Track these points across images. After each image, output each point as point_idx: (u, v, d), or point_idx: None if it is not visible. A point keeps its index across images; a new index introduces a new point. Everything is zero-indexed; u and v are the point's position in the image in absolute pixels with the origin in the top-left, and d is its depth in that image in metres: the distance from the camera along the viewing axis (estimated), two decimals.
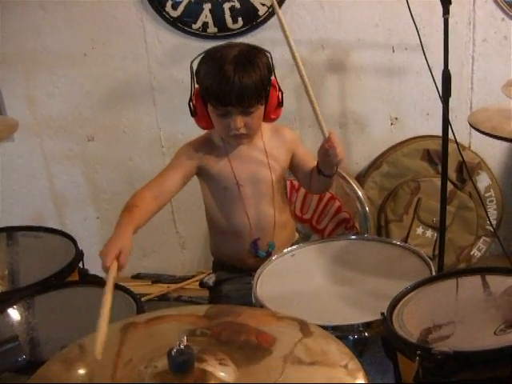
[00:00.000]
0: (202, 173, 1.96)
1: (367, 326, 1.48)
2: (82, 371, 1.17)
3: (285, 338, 1.22)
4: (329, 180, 1.95)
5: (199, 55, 1.86)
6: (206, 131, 2.00)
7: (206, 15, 2.75)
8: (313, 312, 1.57)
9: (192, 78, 1.87)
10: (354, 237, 2.05)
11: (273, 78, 1.89)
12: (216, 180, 1.95)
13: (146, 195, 1.82)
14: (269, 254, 1.98)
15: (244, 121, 1.83)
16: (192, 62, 1.86)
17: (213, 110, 1.83)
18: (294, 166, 2.06)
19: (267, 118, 1.91)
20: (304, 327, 1.26)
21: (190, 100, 1.88)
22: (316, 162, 1.92)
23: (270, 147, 1.99)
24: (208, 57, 1.84)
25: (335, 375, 1.07)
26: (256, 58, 1.82)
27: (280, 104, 1.91)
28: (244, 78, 1.75)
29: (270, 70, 1.86)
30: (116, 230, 1.63)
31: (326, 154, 1.79)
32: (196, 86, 1.87)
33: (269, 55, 1.87)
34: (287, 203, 2.13)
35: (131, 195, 1.82)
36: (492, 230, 2.85)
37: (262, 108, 1.86)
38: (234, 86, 1.75)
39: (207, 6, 2.73)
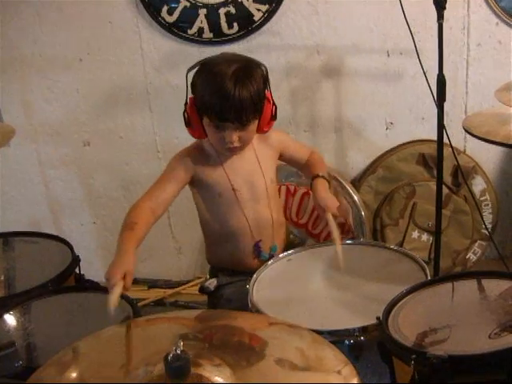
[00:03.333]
0: (196, 182, 1.97)
1: (363, 330, 1.49)
2: (75, 375, 1.17)
3: (280, 343, 1.22)
4: None
5: (195, 66, 1.88)
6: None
7: (201, 20, 2.75)
8: (309, 316, 1.57)
9: (187, 88, 1.88)
10: (349, 241, 2.05)
11: (267, 91, 1.90)
12: (211, 187, 1.97)
13: (144, 209, 1.82)
14: (271, 257, 2.00)
15: (239, 135, 1.85)
16: (188, 73, 1.87)
17: (209, 123, 1.85)
18: (287, 161, 2.14)
19: (260, 129, 1.93)
20: (300, 333, 1.26)
21: (185, 110, 1.89)
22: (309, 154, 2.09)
23: (260, 151, 2.02)
24: (206, 71, 1.84)
25: (330, 381, 1.07)
26: (254, 72, 1.84)
27: (273, 117, 1.93)
28: (243, 94, 1.77)
29: (266, 83, 1.89)
30: (119, 251, 1.63)
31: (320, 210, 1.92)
32: (190, 96, 1.89)
33: (264, 68, 1.89)
34: (280, 205, 2.19)
35: (129, 209, 1.82)
36: (487, 233, 2.86)
37: (257, 122, 1.89)
38: (234, 102, 1.77)
39: (202, 12, 2.74)
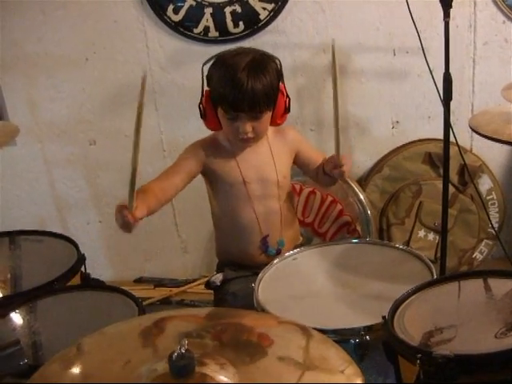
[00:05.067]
0: (207, 172, 1.99)
1: (368, 329, 1.48)
2: (79, 371, 1.17)
3: (285, 342, 1.22)
4: (335, 179, 2.02)
5: (211, 59, 1.92)
6: (211, 132, 2.04)
7: (207, 19, 2.75)
8: (314, 316, 1.57)
9: (203, 81, 1.92)
10: (355, 240, 2.05)
11: (281, 84, 1.94)
12: (221, 179, 1.99)
13: (153, 186, 1.86)
14: (278, 252, 2.02)
15: (252, 125, 1.89)
16: (203, 66, 1.92)
17: (223, 114, 1.88)
18: (300, 163, 2.12)
19: (273, 122, 1.96)
20: (304, 332, 1.26)
21: (200, 102, 1.93)
22: (322, 159, 2.01)
23: (275, 147, 2.03)
24: (221, 63, 1.89)
25: (334, 380, 1.07)
26: (267, 65, 1.88)
27: (287, 110, 1.96)
28: (256, 85, 1.81)
29: (279, 76, 1.92)
30: None
31: (333, 168, 1.87)
32: (206, 88, 1.92)
33: (278, 62, 1.93)
34: (293, 202, 2.18)
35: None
36: (494, 232, 2.84)
37: (270, 113, 1.92)
38: (247, 93, 1.80)
39: (208, 11, 2.74)
